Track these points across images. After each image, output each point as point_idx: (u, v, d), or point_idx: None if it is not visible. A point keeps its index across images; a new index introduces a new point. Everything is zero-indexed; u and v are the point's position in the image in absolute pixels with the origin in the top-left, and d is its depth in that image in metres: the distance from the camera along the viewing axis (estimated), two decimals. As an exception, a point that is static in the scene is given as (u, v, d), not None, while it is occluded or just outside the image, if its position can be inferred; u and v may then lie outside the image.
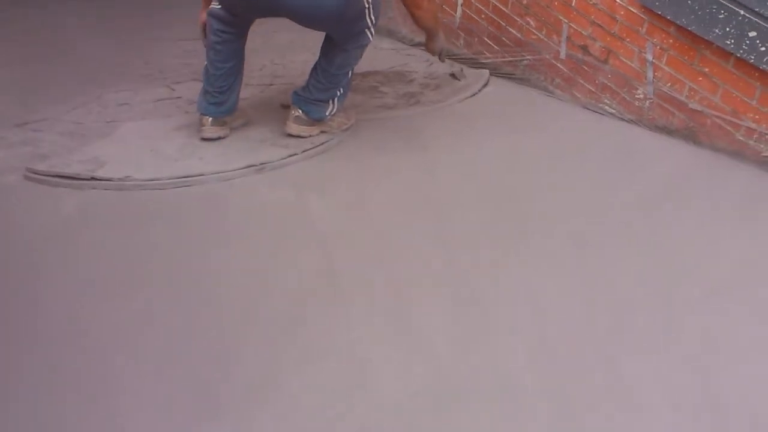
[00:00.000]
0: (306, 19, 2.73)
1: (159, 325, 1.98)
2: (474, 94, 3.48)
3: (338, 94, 2.93)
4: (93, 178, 2.63)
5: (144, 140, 2.95)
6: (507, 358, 1.83)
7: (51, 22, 4.76)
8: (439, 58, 3.26)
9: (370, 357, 1.85)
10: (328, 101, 2.92)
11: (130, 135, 3.01)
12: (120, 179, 2.64)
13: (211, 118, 2.91)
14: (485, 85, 3.57)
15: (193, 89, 3.32)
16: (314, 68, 2.90)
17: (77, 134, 3.05)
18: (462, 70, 3.52)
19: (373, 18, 2.75)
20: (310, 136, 2.96)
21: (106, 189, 2.62)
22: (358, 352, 1.87)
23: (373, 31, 2.81)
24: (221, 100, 2.90)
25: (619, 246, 2.25)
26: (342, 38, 2.77)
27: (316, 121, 2.96)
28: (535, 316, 1.98)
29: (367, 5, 2.68)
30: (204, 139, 2.92)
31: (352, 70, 2.92)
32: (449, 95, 3.45)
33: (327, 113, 2.95)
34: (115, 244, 2.33)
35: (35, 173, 2.69)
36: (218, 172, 2.71)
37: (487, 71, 3.63)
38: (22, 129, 3.12)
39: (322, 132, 2.99)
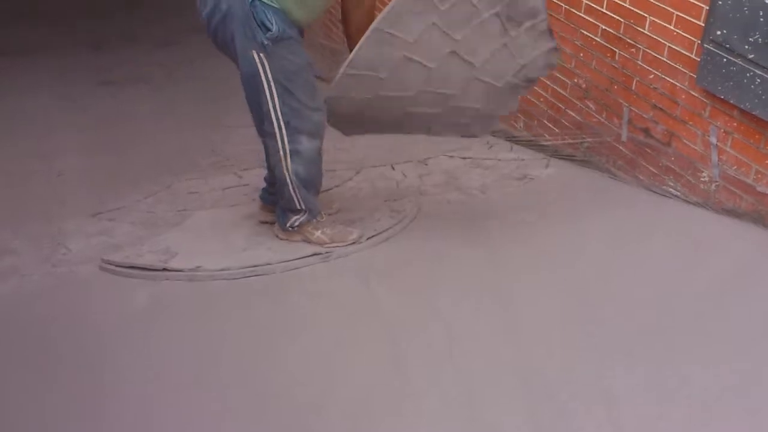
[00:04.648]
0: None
1: (229, 422, 2.01)
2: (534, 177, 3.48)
3: (297, 208, 2.77)
4: (165, 269, 2.71)
5: (214, 229, 3.04)
6: (583, 458, 1.80)
7: (122, 111, 4.96)
8: None
9: (442, 456, 1.84)
10: (286, 211, 2.83)
11: (201, 224, 3.11)
12: (191, 269, 2.71)
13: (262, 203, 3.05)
14: (546, 166, 3.58)
15: (260, 176, 3.41)
16: None
17: (149, 223, 3.16)
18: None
19: (275, 93, 2.53)
20: (288, 240, 2.88)
21: (177, 279, 2.69)
22: (430, 450, 1.86)
23: (281, 124, 2.59)
24: (272, 191, 2.95)
25: (691, 338, 2.20)
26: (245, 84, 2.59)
27: (282, 226, 2.88)
28: (610, 411, 1.94)
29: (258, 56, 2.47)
30: (261, 222, 3.02)
31: (300, 181, 2.71)
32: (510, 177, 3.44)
33: (286, 223, 2.84)
34: (187, 336, 2.38)
35: (110, 264, 2.78)
36: (285, 261, 2.76)
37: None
38: (96, 219, 3.24)
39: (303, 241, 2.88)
